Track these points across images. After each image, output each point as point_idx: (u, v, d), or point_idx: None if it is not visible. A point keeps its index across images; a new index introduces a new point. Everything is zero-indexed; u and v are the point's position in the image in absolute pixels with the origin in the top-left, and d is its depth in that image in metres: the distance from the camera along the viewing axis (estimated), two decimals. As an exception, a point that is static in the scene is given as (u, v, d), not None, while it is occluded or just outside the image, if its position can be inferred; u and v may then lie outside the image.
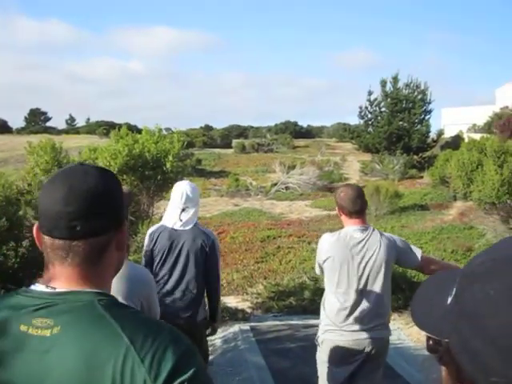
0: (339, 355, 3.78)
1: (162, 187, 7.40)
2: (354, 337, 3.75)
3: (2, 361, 1.18)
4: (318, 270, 4.06)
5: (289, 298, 10.38)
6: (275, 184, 29.96)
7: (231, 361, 6.77)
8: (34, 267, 4.67)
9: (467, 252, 13.12)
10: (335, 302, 3.79)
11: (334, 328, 3.78)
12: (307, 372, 6.21)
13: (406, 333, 7.66)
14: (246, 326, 8.30)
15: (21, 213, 4.77)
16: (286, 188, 29.68)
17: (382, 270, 3.78)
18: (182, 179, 8.13)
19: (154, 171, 6.97)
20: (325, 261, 3.79)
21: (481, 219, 15.99)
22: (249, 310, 9.95)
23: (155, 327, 1.23)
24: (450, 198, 21.32)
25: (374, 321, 3.77)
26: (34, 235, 1.35)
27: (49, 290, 1.25)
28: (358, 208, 3.82)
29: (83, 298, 1.23)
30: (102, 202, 1.29)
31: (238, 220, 21.93)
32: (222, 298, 11.02)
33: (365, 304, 3.75)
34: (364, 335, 3.75)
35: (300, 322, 8.52)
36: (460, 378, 0.66)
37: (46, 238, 1.29)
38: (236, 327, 8.24)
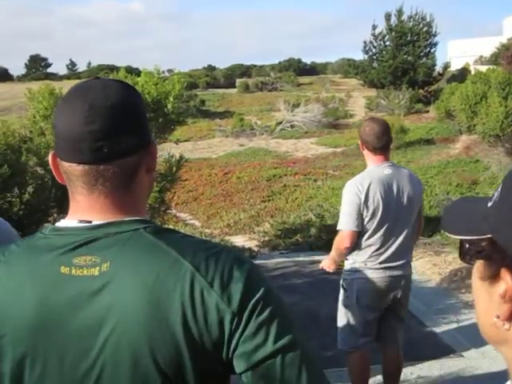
0: (371, 294, 3.72)
1: (165, 129, 7.37)
2: (386, 274, 3.69)
3: (49, 310, 1.06)
4: (352, 218, 3.63)
5: (295, 235, 10.51)
6: (280, 123, 29.77)
7: (238, 298, 6.89)
8: (39, 213, 4.72)
9: (472, 185, 13.13)
10: (371, 242, 3.67)
11: (365, 267, 3.70)
12: (313, 306, 6.36)
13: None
14: (252, 264, 8.42)
15: (23, 159, 4.78)
16: (291, 126, 29.50)
17: (414, 206, 3.74)
18: (184, 120, 8.10)
19: (155, 113, 6.92)
20: (365, 202, 3.59)
21: (486, 152, 15.93)
22: (256, 249, 10.09)
23: (213, 248, 1.12)
24: (455, 132, 21.16)
25: (404, 257, 3.74)
26: (51, 164, 1.20)
27: (84, 224, 1.11)
28: (383, 143, 3.68)
29: (127, 228, 1.10)
30: (127, 117, 1.15)
31: (244, 160, 21.93)
32: (229, 237, 11.20)
33: (399, 240, 3.68)
34: (395, 272, 3.70)
35: (306, 259, 8.64)
36: (505, 265, 0.69)
37: (68, 165, 1.13)
38: (243, 265, 8.36)
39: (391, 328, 3.92)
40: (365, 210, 3.62)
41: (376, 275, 3.70)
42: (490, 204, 0.75)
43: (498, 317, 0.72)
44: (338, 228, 3.75)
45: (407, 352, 4.28)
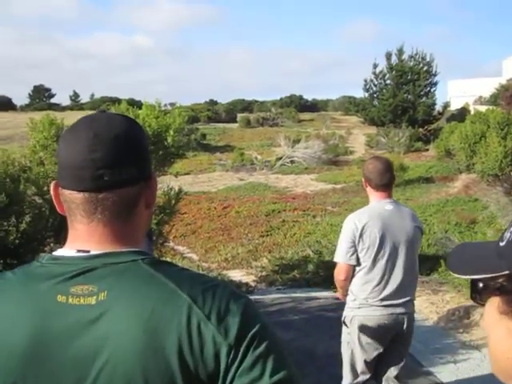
0: (371, 332, 3.69)
1: (164, 162, 7.40)
2: (388, 311, 3.66)
3: (44, 338, 1.04)
4: (344, 254, 3.69)
5: (293, 271, 10.46)
6: (280, 158, 29.92)
7: (234, 333, 6.83)
8: (35, 242, 4.71)
9: (471, 224, 13.11)
10: (370, 278, 3.66)
11: (366, 304, 3.68)
12: (309, 343, 6.29)
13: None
14: (249, 299, 8.37)
15: (21, 188, 4.79)
16: (291, 162, 29.63)
17: (414, 242, 3.74)
18: (183, 154, 8.14)
19: (156, 146, 6.96)
20: (361, 235, 3.61)
21: (484, 191, 15.96)
22: (253, 284, 10.03)
23: (210, 282, 1.13)
24: (455, 171, 21.25)
25: (405, 295, 3.70)
26: (52, 193, 1.20)
27: (81, 254, 1.11)
28: (386, 181, 3.72)
29: (125, 259, 1.10)
30: (130, 149, 1.16)
31: (243, 194, 21.97)
32: (226, 271, 11.15)
33: (399, 277, 3.66)
34: (397, 310, 3.67)
35: (303, 295, 8.59)
36: None
37: (68, 193, 1.14)
38: (239, 300, 8.31)
39: (390, 367, 3.88)
40: (360, 244, 3.63)
41: (378, 313, 3.68)
42: (503, 243, 0.78)
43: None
44: (334, 259, 3.80)
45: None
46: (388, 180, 3.74)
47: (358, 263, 3.68)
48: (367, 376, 3.80)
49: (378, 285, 3.66)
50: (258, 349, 1.04)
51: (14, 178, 5.04)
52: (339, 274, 3.74)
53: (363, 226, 3.62)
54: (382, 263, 3.65)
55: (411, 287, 3.79)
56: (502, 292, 0.75)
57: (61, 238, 5.08)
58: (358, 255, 3.66)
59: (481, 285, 0.77)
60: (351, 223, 3.68)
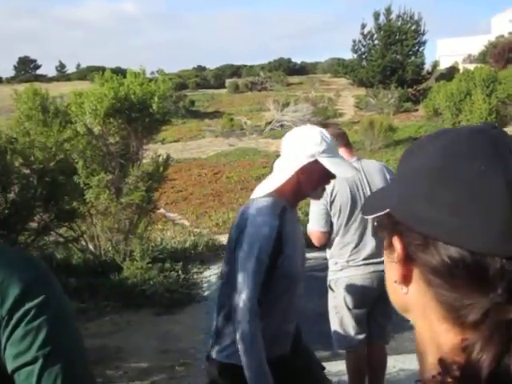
0: (357, 292, 3.71)
1: (151, 129, 7.41)
2: (370, 269, 3.67)
3: None
4: (321, 223, 3.67)
5: (283, 233, 10.55)
6: (270, 122, 29.87)
7: (226, 295, 6.95)
8: (24, 212, 4.77)
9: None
10: (347, 240, 3.68)
11: (349, 265, 3.69)
12: (300, 302, 6.42)
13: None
14: (240, 262, 8.46)
15: (8, 159, 4.82)
16: (281, 126, 29.58)
17: None
18: (169, 121, 8.15)
19: (141, 113, 6.97)
20: (331, 201, 3.62)
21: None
22: (244, 247, 10.12)
23: (8, 253, 1.18)
24: (443, 130, 21.27)
25: None
26: None
27: None
28: (341, 138, 3.71)
29: None
30: None
31: (234, 160, 21.98)
32: (218, 236, 11.24)
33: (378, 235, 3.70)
34: (380, 267, 3.59)
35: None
36: (396, 233, 0.74)
37: None
38: (230, 263, 8.41)
39: (378, 325, 3.92)
40: (332, 209, 3.65)
41: (360, 272, 3.69)
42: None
43: (395, 281, 0.77)
44: (307, 228, 3.79)
45: (390, 346, 4.34)
46: (342, 137, 3.75)
47: (334, 228, 3.69)
48: (363, 336, 3.81)
49: (356, 247, 3.68)
50: (32, 322, 1.08)
51: (1, 149, 5.06)
52: (314, 242, 3.77)
53: (331, 192, 3.62)
54: (355, 225, 3.66)
55: None
56: (382, 230, 0.79)
57: (49, 208, 5.15)
58: (331, 220, 3.67)
59: (374, 223, 0.81)
60: None
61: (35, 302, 1.09)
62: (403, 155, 0.81)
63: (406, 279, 0.75)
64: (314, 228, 3.73)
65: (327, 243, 3.77)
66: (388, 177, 3.79)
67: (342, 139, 3.81)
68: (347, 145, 3.84)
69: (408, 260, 0.73)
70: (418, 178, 0.72)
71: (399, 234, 0.74)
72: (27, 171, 5.07)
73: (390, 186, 0.85)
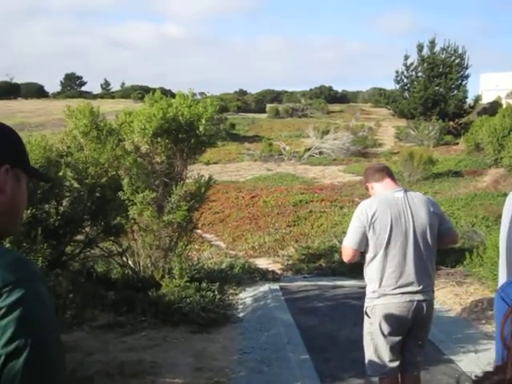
0: (392, 320, 3.76)
1: (196, 150, 7.58)
2: (406, 299, 3.72)
3: None
4: (355, 241, 3.76)
5: (319, 260, 10.60)
6: (309, 149, 29.95)
7: (260, 318, 7.02)
8: (73, 224, 4.94)
9: (498, 218, 13.03)
10: (385, 266, 3.73)
11: (386, 293, 3.74)
12: (334, 329, 6.46)
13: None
14: (275, 286, 8.54)
15: (61, 173, 5.02)
16: (320, 153, 29.66)
17: (429, 228, 3.77)
18: (214, 142, 8.32)
19: (188, 134, 7.14)
20: (372, 223, 3.70)
21: (513, 185, 15.86)
22: (279, 272, 10.19)
23: (10, 253, 1.24)
24: (484, 165, 21.12)
25: (423, 282, 3.75)
26: None
27: None
28: (385, 170, 3.95)
29: None
30: None
31: (271, 184, 22.09)
32: (253, 259, 11.33)
33: (414, 265, 3.72)
34: (416, 297, 3.72)
35: (329, 283, 8.73)
36: None
37: None
38: (266, 287, 8.49)
39: (411, 354, 3.95)
40: (371, 232, 3.71)
41: (396, 300, 3.74)
42: None
43: None
44: (343, 243, 3.95)
45: (424, 378, 4.35)
46: (386, 169, 3.98)
47: (371, 252, 3.76)
48: (396, 363, 3.85)
49: (392, 272, 3.72)
50: (3, 319, 1.12)
51: (53, 163, 5.26)
52: (344, 255, 3.90)
53: (373, 214, 3.70)
54: (394, 251, 3.71)
55: (429, 274, 3.83)
56: None
57: (97, 221, 5.32)
58: (368, 243, 3.75)
59: None
60: (362, 210, 3.79)
61: (9, 300, 1.13)
62: None
63: None
64: (348, 244, 3.83)
65: (354, 258, 3.85)
66: (432, 210, 3.86)
67: (387, 171, 3.97)
68: (391, 176, 3.99)
69: None
70: None
71: None
72: (78, 186, 5.26)
73: None
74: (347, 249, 3.82)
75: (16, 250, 1.41)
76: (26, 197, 1.37)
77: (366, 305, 3.93)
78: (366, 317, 3.93)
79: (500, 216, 2.94)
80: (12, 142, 1.37)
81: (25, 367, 1.11)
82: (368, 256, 3.81)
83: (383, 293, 3.76)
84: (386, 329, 3.80)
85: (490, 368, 1.30)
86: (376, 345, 3.87)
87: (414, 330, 3.87)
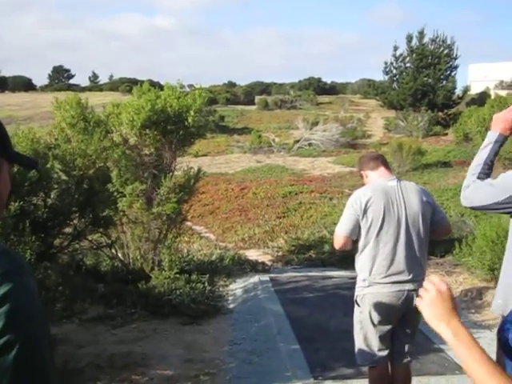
0: (382, 309, 3.77)
1: (184, 142, 7.55)
2: (396, 288, 3.73)
3: None
4: (348, 228, 3.77)
5: (309, 251, 10.61)
6: (298, 140, 29.96)
7: (251, 309, 7.03)
8: (62, 216, 4.91)
9: (487, 208, 13.11)
10: (376, 254, 3.75)
11: (376, 281, 3.76)
12: (323, 319, 6.47)
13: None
14: (265, 277, 8.55)
15: (49, 165, 4.98)
16: (309, 144, 29.67)
17: (421, 217, 3.79)
18: (203, 134, 8.29)
19: (176, 126, 7.12)
20: (365, 211, 3.71)
21: (502, 175, 15.94)
22: (269, 263, 10.20)
23: None
24: (473, 155, 21.14)
25: (414, 271, 3.76)
26: None
27: None
28: (380, 159, 3.98)
29: None
30: None
31: (261, 176, 22.08)
32: (243, 251, 11.34)
33: (405, 254, 3.73)
34: (406, 286, 3.73)
35: (319, 274, 8.74)
36: None
37: None
38: (256, 278, 8.49)
39: (401, 343, 3.97)
40: (364, 220, 3.73)
41: (386, 289, 3.75)
42: None
43: None
44: (335, 230, 3.93)
45: (414, 367, 4.38)
46: (381, 158, 4.00)
47: (362, 240, 3.78)
48: (386, 352, 3.87)
49: (383, 260, 3.74)
50: None
51: (41, 155, 5.22)
52: (335, 243, 3.89)
53: (367, 202, 3.72)
54: (386, 238, 3.73)
55: (420, 263, 3.84)
56: None
57: (85, 213, 5.30)
58: (360, 231, 3.77)
59: None
60: (355, 198, 3.81)
61: None
62: None
63: None
64: (340, 232, 3.83)
65: (346, 246, 3.86)
66: (425, 199, 3.88)
67: (381, 160, 3.99)
68: (386, 165, 4.00)
69: None
70: None
71: None
72: (65, 177, 5.23)
73: None
74: (339, 237, 3.82)
75: (1, 243, 1.35)
76: (7, 183, 1.33)
77: (356, 293, 3.94)
78: (356, 305, 3.94)
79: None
80: None
81: (15, 362, 1.09)
82: (360, 244, 3.83)
83: (373, 281, 3.77)
84: (375, 318, 3.81)
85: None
86: (366, 333, 3.88)
87: (403, 320, 3.88)
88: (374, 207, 3.72)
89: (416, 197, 3.82)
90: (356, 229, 3.77)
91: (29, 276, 1.22)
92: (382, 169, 3.92)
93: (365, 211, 3.72)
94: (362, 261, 3.85)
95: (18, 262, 1.22)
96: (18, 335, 1.11)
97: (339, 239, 3.82)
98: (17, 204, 4.15)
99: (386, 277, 3.75)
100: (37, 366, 1.14)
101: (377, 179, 3.90)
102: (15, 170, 4.44)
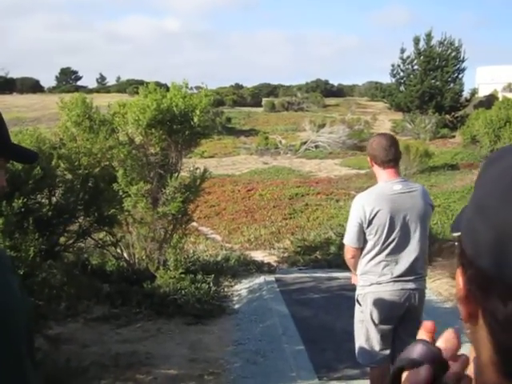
0: (383, 308, 3.78)
1: (190, 142, 7.54)
2: (398, 287, 3.74)
3: None
4: (353, 235, 3.77)
5: (314, 252, 10.57)
6: (305, 142, 29.91)
7: (256, 309, 7.01)
8: (67, 215, 4.91)
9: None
10: (380, 259, 3.75)
11: (378, 281, 3.76)
12: (329, 320, 6.44)
13: (428, 286, 7.80)
14: (270, 278, 8.52)
15: (53, 163, 4.98)
16: (316, 147, 29.64)
17: (424, 220, 3.79)
18: (209, 134, 8.28)
19: (182, 125, 7.10)
20: (370, 220, 3.69)
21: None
22: (275, 264, 10.16)
23: None
24: (480, 158, 21.10)
25: (416, 272, 3.77)
26: None
27: None
28: (391, 157, 3.75)
29: None
30: None
31: (267, 178, 22.05)
32: (249, 252, 11.32)
33: (409, 257, 3.74)
34: (408, 286, 3.74)
35: (324, 275, 8.70)
36: (460, 264, 0.63)
37: None
38: (261, 278, 8.47)
39: (402, 342, 3.94)
40: (369, 228, 3.71)
41: (388, 288, 3.75)
42: None
43: (461, 319, 0.64)
44: (343, 241, 3.96)
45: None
46: (393, 155, 3.76)
47: (368, 246, 3.77)
48: (387, 352, 3.86)
49: (388, 265, 3.74)
50: None
51: (46, 154, 5.22)
52: (346, 255, 3.91)
53: (371, 211, 3.68)
54: (392, 245, 3.72)
55: (422, 264, 3.84)
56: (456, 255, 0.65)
57: (90, 212, 5.29)
58: (365, 238, 3.76)
59: (456, 244, 0.67)
60: (359, 207, 3.75)
61: None
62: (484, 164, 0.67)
63: (471, 318, 0.62)
64: (348, 243, 3.84)
65: (357, 259, 3.86)
66: (428, 202, 3.87)
67: (393, 159, 3.91)
68: (395, 166, 3.87)
69: (470, 299, 0.61)
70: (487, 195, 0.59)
71: (463, 267, 0.62)
72: (70, 176, 5.23)
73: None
74: (349, 250, 3.86)
75: None
76: (2, 178, 1.32)
77: (357, 292, 3.94)
78: (357, 305, 3.94)
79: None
80: None
81: None
82: (365, 248, 3.81)
83: (376, 281, 3.77)
84: (377, 317, 3.80)
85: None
86: (367, 333, 3.87)
87: (405, 319, 3.86)
88: (379, 216, 3.70)
89: (421, 200, 3.81)
90: (362, 238, 3.79)
91: (6, 270, 1.21)
92: (389, 170, 3.80)
93: (370, 222, 3.71)
94: (366, 264, 3.84)
95: None
96: None
97: (350, 252, 3.86)
98: (20, 201, 4.14)
99: (390, 278, 3.75)
100: (10, 363, 1.13)
101: (382, 181, 3.83)
102: (20, 167, 4.44)
